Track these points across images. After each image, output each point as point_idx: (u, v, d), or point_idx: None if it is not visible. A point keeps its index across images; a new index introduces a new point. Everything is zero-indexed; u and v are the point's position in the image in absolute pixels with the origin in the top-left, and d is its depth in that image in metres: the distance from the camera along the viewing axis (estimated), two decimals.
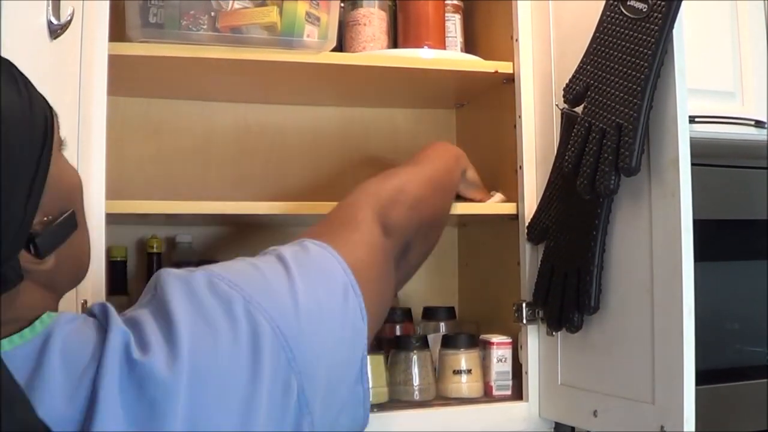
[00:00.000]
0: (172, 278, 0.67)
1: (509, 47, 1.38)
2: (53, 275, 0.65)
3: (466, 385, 1.32)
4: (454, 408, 1.29)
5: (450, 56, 1.43)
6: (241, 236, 1.56)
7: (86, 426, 0.58)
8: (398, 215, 0.89)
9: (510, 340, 1.35)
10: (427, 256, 1.03)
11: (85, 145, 1.02)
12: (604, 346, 1.16)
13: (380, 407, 1.26)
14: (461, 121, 1.67)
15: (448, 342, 1.34)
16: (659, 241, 1.06)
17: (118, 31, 1.15)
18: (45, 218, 0.63)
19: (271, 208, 1.27)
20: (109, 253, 1.31)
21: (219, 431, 0.61)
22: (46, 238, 0.63)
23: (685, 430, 1.00)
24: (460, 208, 1.30)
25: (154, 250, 1.45)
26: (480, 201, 1.33)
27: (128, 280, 1.44)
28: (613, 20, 1.11)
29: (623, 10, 1.10)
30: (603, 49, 1.12)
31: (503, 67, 1.37)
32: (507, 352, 1.34)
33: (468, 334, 1.35)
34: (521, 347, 1.34)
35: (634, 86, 1.05)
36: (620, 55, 1.09)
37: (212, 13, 1.20)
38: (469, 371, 1.32)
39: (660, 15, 1.04)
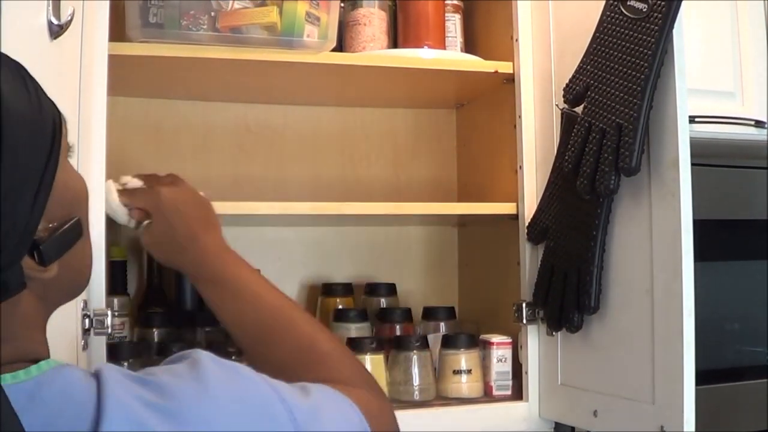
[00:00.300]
0: None
1: (509, 47, 1.38)
2: (52, 286, 0.63)
3: (466, 385, 1.32)
4: (454, 408, 1.29)
5: (450, 56, 1.43)
6: (241, 236, 1.56)
7: None
8: None
9: (510, 340, 1.35)
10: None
11: (85, 145, 1.02)
12: (604, 346, 1.16)
13: None
14: (461, 121, 1.67)
15: (448, 342, 1.34)
16: (659, 241, 1.06)
17: (118, 31, 1.15)
18: (50, 225, 0.61)
19: (271, 208, 1.26)
20: (109, 253, 1.30)
21: None
22: (51, 245, 0.61)
23: (685, 430, 1.00)
24: (460, 209, 1.30)
25: None
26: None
27: (128, 280, 1.44)
28: (613, 20, 1.11)
29: (623, 10, 1.10)
30: (603, 49, 1.12)
31: (503, 67, 1.37)
32: (507, 352, 1.34)
33: (468, 334, 1.35)
34: (521, 347, 1.34)
35: (634, 86, 1.05)
36: (620, 55, 1.09)
37: (212, 13, 1.20)
38: (469, 371, 1.32)
39: (660, 15, 1.04)
